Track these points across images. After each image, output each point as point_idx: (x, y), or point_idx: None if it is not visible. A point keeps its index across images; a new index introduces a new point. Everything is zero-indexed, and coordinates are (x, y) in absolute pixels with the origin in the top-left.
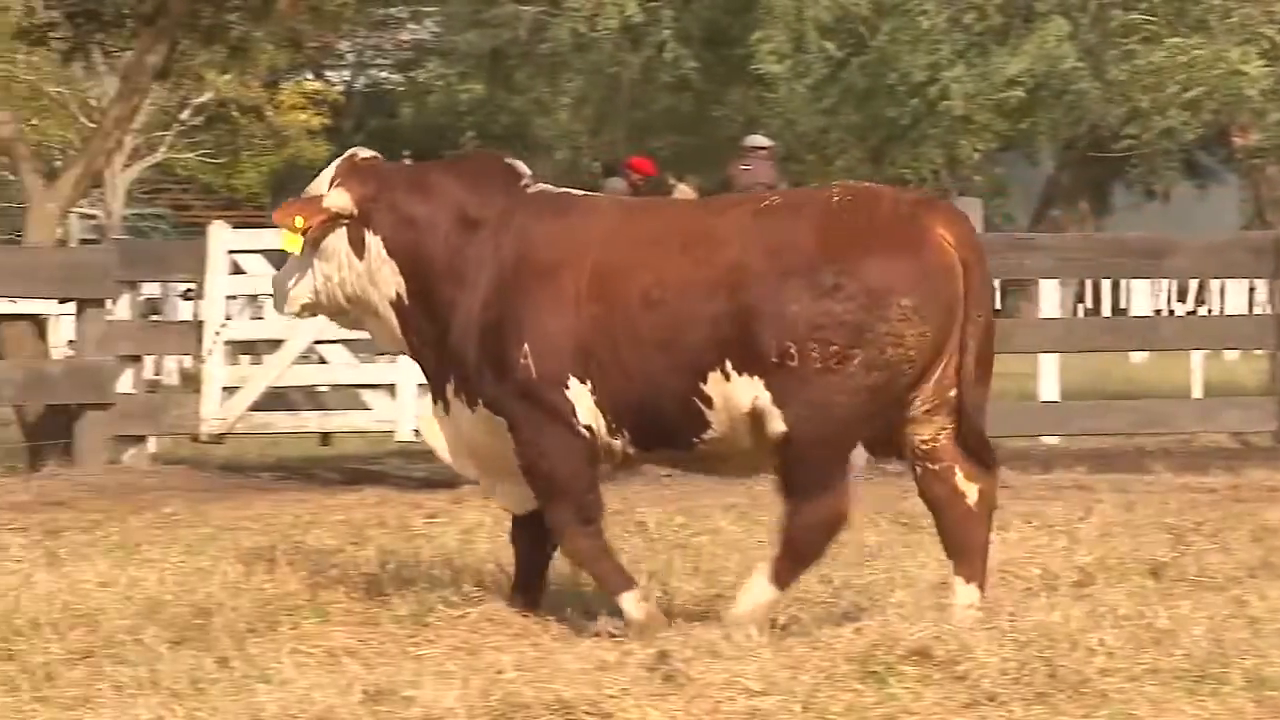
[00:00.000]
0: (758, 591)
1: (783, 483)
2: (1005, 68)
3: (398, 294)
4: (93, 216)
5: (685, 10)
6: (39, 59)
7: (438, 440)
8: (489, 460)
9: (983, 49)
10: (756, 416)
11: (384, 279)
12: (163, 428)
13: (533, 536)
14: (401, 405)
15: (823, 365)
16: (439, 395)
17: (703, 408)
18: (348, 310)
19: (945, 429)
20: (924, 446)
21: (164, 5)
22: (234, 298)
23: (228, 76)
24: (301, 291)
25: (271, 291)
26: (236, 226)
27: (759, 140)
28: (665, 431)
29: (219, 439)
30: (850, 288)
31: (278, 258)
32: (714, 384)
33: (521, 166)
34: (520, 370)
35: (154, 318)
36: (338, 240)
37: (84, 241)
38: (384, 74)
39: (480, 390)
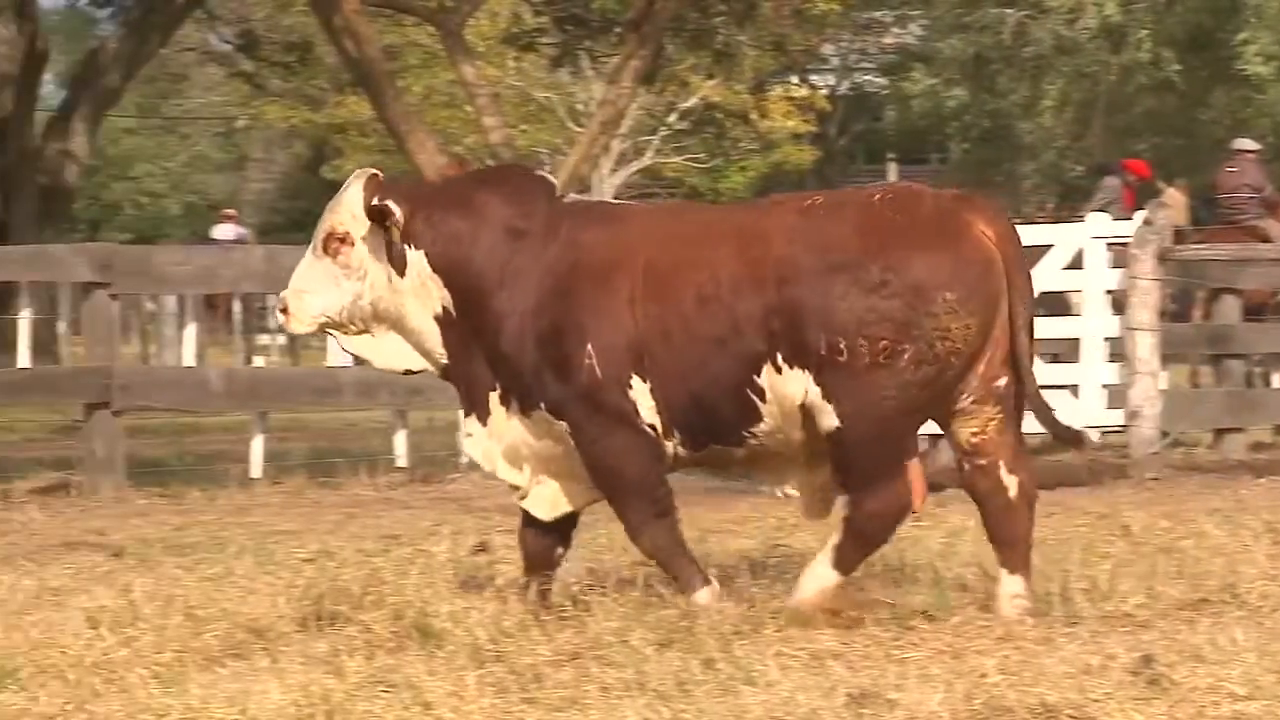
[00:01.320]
0: (821, 574)
1: (841, 477)
2: None
3: (444, 308)
4: None
5: (1167, 12)
6: (528, 65)
7: (476, 451)
8: (548, 464)
9: None
10: (807, 410)
11: (428, 294)
12: None
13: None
14: None
15: (872, 360)
16: (478, 406)
17: (755, 400)
18: (368, 328)
19: (993, 420)
20: (973, 440)
21: (650, 11)
22: None
23: (713, 81)
24: (325, 309)
25: (281, 308)
26: None
27: (1246, 143)
28: (716, 427)
29: None
30: (895, 284)
31: None
32: (767, 376)
33: (551, 178)
34: (585, 372)
35: None
36: (372, 258)
37: None
38: (868, 78)
39: (541, 395)
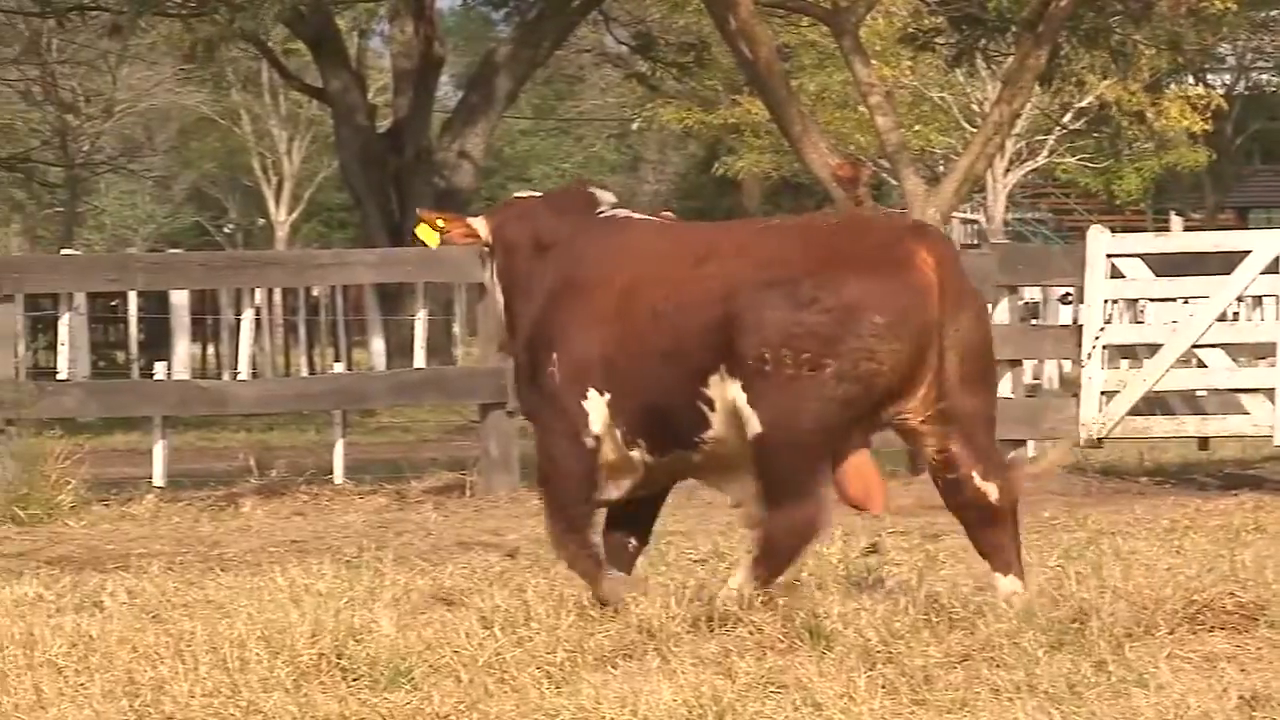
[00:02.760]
0: (735, 589)
1: (759, 487)
2: None
3: (502, 317)
4: (974, 221)
5: None
6: (922, 65)
7: None
8: None
9: None
10: (740, 416)
11: (498, 303)
12: (1041, 432)
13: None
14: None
15: (795, 371)
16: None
17: (705, 409)
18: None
19: (952, 438)
20: (938, 457)
21: (1046, 10)
22: (1113, 302)
23: (1109, 80)
24: (495, 329)
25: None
26: (1116, 231)
27: None
28: (675, 433)
29: (1098, 443)
30: (826, 301)
31: (1157, 263)
32: (714, 386)
33: (602, 195)
34: (549, 378)
35: (1034, 322)
36: (488, 275)
37: (965, 246)
38: (1265, 77)
39: (519, 396)
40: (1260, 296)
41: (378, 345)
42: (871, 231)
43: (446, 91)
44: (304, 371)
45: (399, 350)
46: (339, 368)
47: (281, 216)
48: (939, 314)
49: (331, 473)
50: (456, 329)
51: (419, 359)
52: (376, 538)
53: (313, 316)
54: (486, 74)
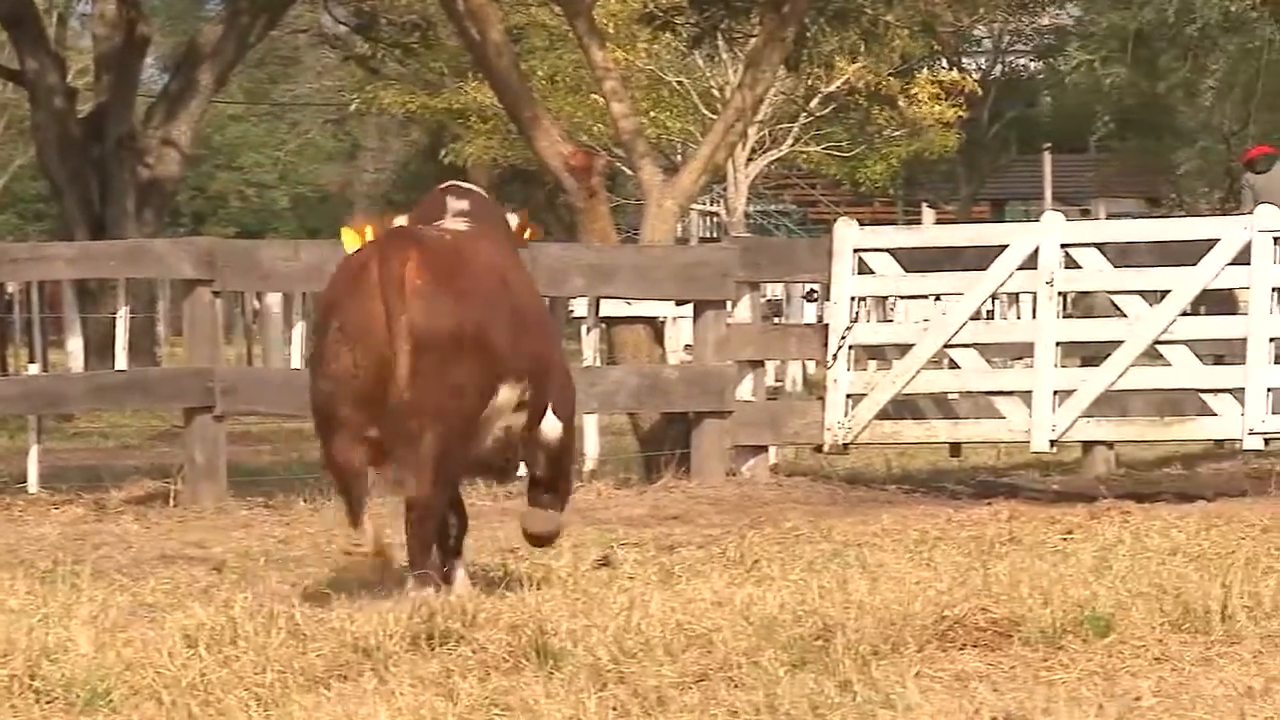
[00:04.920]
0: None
1: None
2: None
3: None
4: (714, 213)
5: None
6: (659, 47)
7: None
8: None
9: None
10: None
11: None
12: (784, 437)
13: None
14: (1037, 414)
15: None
16: None
17: None
18: None
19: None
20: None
21: None
22: (860, 299)
23: (858, 64)
24: None
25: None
26: (865, 224)
27: None
28: None
29: (844, 449)
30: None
31: (908, 258)
32: None
33: (453, 201)
34: None
35: (776, 320)
36: None
37: (704, 240)
38: (1022, 61)
39: None
40: (1016, 294)
41: (75, 345)
42: (353, 252)
43: (152, 74)
44: None
45: (98, 351)
46: (34, 369)
47: None
48: (384, 319)
49: (25, 481)
50: (160, 328)
51: (120, 360)
52: (73, 550)
53: (5, 314)
54: (194, 56)
